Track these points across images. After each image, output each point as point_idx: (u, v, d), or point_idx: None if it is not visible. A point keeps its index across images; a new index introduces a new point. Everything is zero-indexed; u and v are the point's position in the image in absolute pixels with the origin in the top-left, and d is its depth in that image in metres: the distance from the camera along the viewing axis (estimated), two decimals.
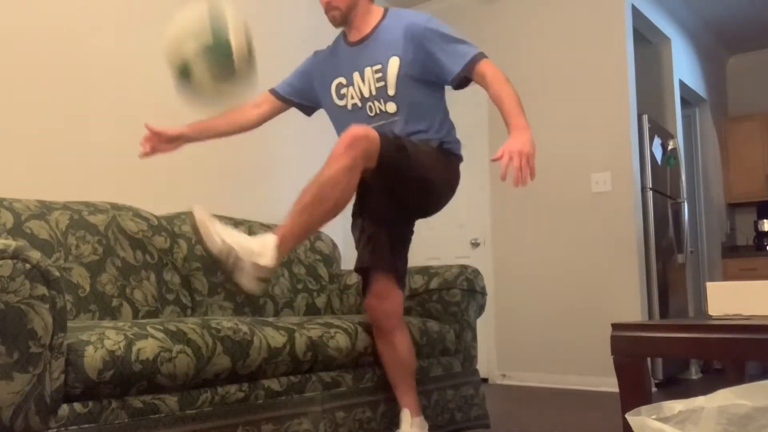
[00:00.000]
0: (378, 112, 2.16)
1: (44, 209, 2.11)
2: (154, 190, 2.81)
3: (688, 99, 5.80)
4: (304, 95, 2.38)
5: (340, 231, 3.62)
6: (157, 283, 2.29)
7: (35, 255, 1.39)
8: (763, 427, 1.05)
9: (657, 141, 4.58)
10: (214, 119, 2.32)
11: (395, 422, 2.18)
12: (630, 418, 1.12)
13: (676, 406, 1.13)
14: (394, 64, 2.14)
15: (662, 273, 4.44)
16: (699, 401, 1.12)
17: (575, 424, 3.12)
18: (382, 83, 2.15)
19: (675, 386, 4.32)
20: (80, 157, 2.59)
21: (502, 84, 2.06)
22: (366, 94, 2.18)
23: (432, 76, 2.15)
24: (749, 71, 6.49)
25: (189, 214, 1.98)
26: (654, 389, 4.08)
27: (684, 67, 5.44)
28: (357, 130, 1.86)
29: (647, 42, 5.10)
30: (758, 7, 5.44)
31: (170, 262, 2.38)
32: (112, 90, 2.72)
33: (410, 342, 2.22)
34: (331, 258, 3.03)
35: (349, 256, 4.01)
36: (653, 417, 1.11)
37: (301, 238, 1.89)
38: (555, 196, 4.44)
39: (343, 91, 2.23)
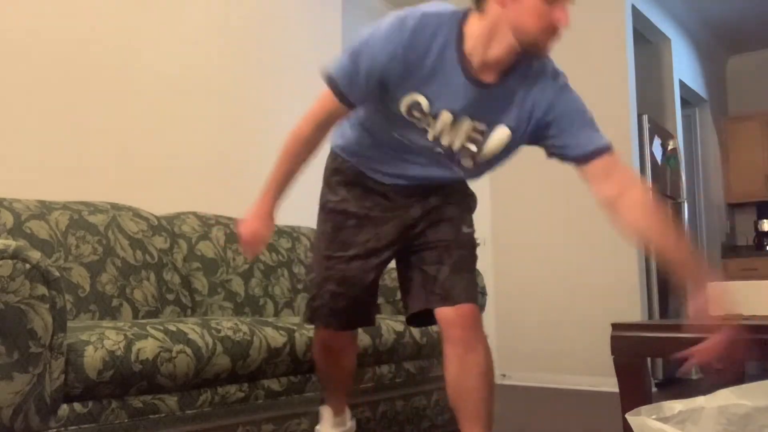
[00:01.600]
0: (449, 158, 1.66)
1: (44, 209, 2.11)
2: (154, 190, 2.81)
3: (688, 99, 5.80)
4: (371, 94, 1.60)
5: None
6: (157, 283, 2.29)
7: (35, 255, 1.39)
8: (763, 427, 1.05)
9: (657, 141, 4.58)
10: (295, 166, 1.74)
11: (395, 422, 2.18)
12: (630, 418, 1.12)
13: (676, 406, 1.13)
14: (502, 135, 1.61)
15: (662, 273, 4.44)
16: (699, 401, 1.12)
17: (575, 424, 3.12)
18: (474, 147, 1.62)
19: (675, 386, 4.32)
20: (80, 157, 2.59)
21: (656, 212, 1.57)
22: (444, 143, 1.62)
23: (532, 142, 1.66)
24: (749, 71, 6.49)
25: None
26: (654, 389, 4.07)
27: (684, 67, 5.44)
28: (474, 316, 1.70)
29: (647, 42, 5.09)
30: (758, 7, 5.44)
31: (170, 262, 2.38)
32: (112, 90, 2.72)
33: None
34: None
35: None
36: (653, 417, 1.11)
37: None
38: (555, 195, 4.44)
39: (418, 115, 1.59)
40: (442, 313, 1.75)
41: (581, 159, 1.62)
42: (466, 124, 1.60)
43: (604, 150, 1.61)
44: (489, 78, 1.56)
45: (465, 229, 1.82)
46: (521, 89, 1.61)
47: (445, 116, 1.59)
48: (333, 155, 1.85)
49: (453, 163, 1.67)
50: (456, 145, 1.62)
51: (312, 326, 1.94)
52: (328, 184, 1.84)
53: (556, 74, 1.66)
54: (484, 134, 1.62)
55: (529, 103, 1.61)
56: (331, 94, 1.59)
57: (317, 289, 1.82)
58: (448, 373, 1.76)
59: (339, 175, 1.82)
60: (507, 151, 1.66)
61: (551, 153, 1.68)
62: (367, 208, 1.78)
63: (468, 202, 1.88)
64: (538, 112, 1.61)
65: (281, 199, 1.81)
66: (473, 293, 1.77)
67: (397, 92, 1.57)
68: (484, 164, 1.68)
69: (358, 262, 1.77)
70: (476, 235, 1.94)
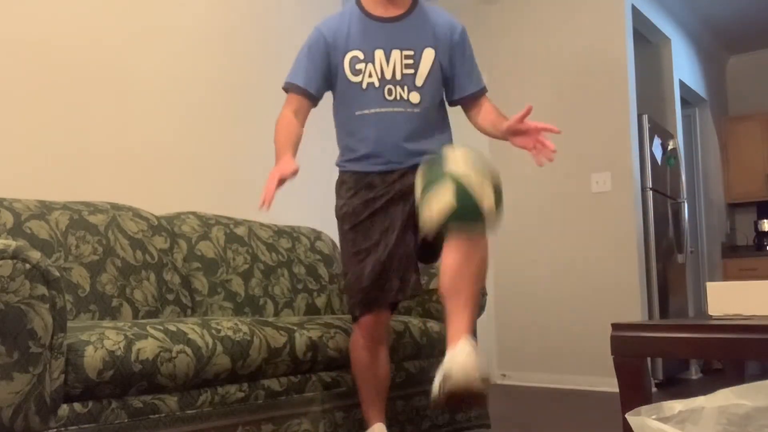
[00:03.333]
0: (398, 98, 2.03)
1: (44, 209, 2.11)
2: (154, 190, 2.81)
3: (688, 99, 5.80)
4: (325, 80, 2.11)
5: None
6: (157, 283, 2.29)
7: (35, 255, 1.39)
8: (763, 427, 1.05)
9: (657, 141, 4.58)
10: (292, 141, 2.05)
11: (395, 422, 2.18)
12: (630, 418, 1.12)
13: (676, 406, 1.13)
14: (428, 56, 2.06)
15: (662, 273, 4.44)
16: (699, 401, 1.12)
17: (575, 424, 3.12)
18: (411, 71, 2.04)
19: (675, 386, 4.32)
20: (80, 157, 2.59)
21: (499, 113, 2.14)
22: (388, 76, 2.03)
23: (444, 85, 2.15)
24: (749, 71, 6.49)
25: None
26: (654, 389, 4.07)
27: (684, 67, 5.44)
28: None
29: (647, 42, 5.09)
30: (758, 7, 5.44)
31: (170, 262, 2.38)
32: (112, 90, 2.72)
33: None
34: (331, 258, 3.03)
35: None
36: (653, 417, 1.11)
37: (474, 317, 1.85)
38: (555, 195, 4.44)
39: (359, 66, 2.04)
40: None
41: (466, 98, 2.17)
42: (396, 54, 2.03)
43: (485, 91, 2.19)
44: (393, 13, 2.07)
45: None
46: (430, 17, 2.10)
47: (378, 53, 2.03)
48: (339, 175, 2.16)
49: (405, 104, 2.03)
50: (398, 75, 2.03)
51: (313, 326, 1.94)
52: (339, 194, 2.13)
53: (451, 16, 2.17)
54: (415, 59, 2.04)
55: (440, 25, 2.09)
56: (292, 96, 2.11)
57: (356, 284, 1.99)
58: (447, 263, 1.80)
59: (345, 184, 2.11)
60: (436, 69, 2.06)
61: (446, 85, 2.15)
62: (371, 199, 2.03)
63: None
64: (442, 41, 2.08)
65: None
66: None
67: (338, 57, 2.06)
68: (426, 92, 2.04)
69: (384, 243, 1.98)
70: None
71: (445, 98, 2.19)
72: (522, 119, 1.97)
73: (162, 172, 2.87)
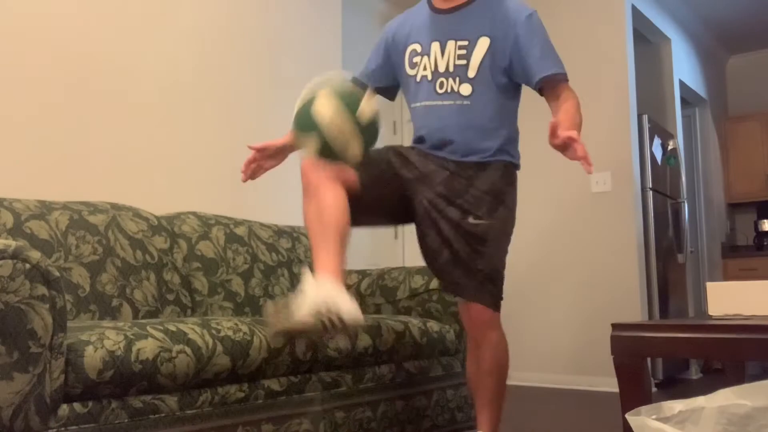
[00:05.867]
0: (449, 90, 1.97)
1: (44, 209, 2.11)
2: (154, 190, 2.81)
3: (688, 99, 5.80)
4: (387, 76, 2.16)
5: None
6: (157, 283, 2.29)
7: (35, 255, 1.39)
8: (763, 427, 1.05)
9: (657, 141, 4.58)
10: None
11: (395, 422, 2.18)
12: (630, 418, 1.12)
13: (676, 406, 1.13)
14: (482, 45, 1.96)
15: (662, 273, 4.44)
16: (699, 401, 1.12)
17: (575, 424, 3.12)
18: (463, 62, 1.97)
19: (675, 386, 4.32)
20: (80, 157, 2.59)
21: (579, 110, 1.93)
22: (441, 69, 1.98)
23: (514, 75, 2.00)
24: (749, 71, 6.49)
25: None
26: (654, 389, 4.08)
27: (684, 67, 5.44)
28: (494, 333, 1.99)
29: (647, 42, 5.10)
30: (758, 7, 5.44)
31: (170, 262, 2.38)
32: (112, 90, 2.72)
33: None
34: None
35: (348, 256, 4.02)
36: (653, 417, 1.11)
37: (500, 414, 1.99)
38: (555, 195, 4.44)
39: (416, 59, 2.03)
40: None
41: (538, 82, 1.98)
42: (451, 45, 1.98)
43: (565, 79, 1.99)
44: (454, 3, 2.02)
45: (471, 219, 2.02)
46: (493, 4, 2.00)
47: (434, 46, 2.00)
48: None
49: (455, 96, 1.96)
50: (451, 66, 1.97)
51: None
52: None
53: (516, 1, 2.04)
54: (468, 48, 1.97)
55: (504, 11, 1.98)
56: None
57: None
58: (469, 360, 2.05)
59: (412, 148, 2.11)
60: (493, 59, 1.96)
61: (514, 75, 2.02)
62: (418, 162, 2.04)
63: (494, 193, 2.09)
64: (503, 28, 1.97)
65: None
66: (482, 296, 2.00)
67: (399, 52, 2.08)
68: (479, 83, 1.96)
69: (400, 179, 2.02)
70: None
71: (511, 91, 2.05)
72: (553, 135, 1.74)
73: (162, 172, 2.87)
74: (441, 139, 2.01)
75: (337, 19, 3.84)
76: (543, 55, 1.97)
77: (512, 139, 2.07)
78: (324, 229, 1.76)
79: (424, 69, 2.01)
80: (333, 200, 1.79)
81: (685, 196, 4.97)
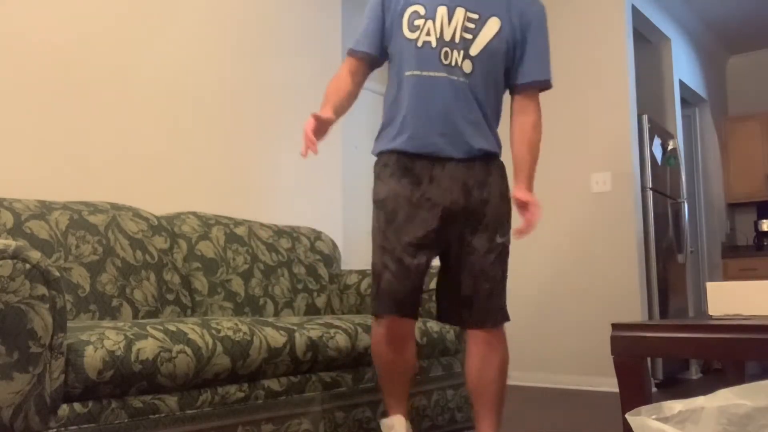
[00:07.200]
0: (453, 63, 1.82)
1: (44, 209, 2.11)
2: (154, 190, 2.81)
3: (688, 99, 5.80)
4: (385, 39, 1.96)
5: (339, 231, 3.62)
6: (157, 283, 2.29)
7: (35, 255, 1.39)
8: (763, 427, 1.05)
9: (657, 141, 4.58)
10: (337, 96, 1.94)
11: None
12: (630, 418, 1.12)
13: (676, 406, 1.13)
14: (492, 26, 1.83)
15: (662, 273, 4.44)
16: (699, 401, 1.12)
17: (575, 424, 3.12)
18: (469, 36, 1.82)
19: (675, 386, 4.32)
20: (80, 157, 2.59)
21: (538, 131, 1.92)
22: (446, 38, 1.81)
23: (507, 62, 1.90)
24: (749, 71, 6.49)
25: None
26: (654, 389, 4.07)
27: (684, 67, 5.44)
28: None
29: (647, 42, 5.10)
30: (758, 7, 5.44)
31: (170, 262, 2.38)
32: (112, 90, 2.72)
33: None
34: (331, 258, 3.03)
35: (348, 256, 4.02)
36: (653, 417, 1.11)
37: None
38: (555, 196, 4.44)
39: (418, 22, 1.84)
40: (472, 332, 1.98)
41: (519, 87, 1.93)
42: (460, 13, 1.82)
43: (547, 86, 1.96)
44: None
45: (498, 239, 1.95)
46: None
47: (441, 10, 1.83)
48: (378, 159, 1.97)
49: (458, 72, 1.82)
50: (457, 37, 1.81)
51: (313, 326, 1.95)
52: (380, 177, 1.94)
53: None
54: (477, 23, 1.83)
55: (515, 4, 1.88)
56: (347, 57, 1.99)
57: (377, 277, 1.90)
58: (470, 365, 1.95)
59: (387, 168, 1.92)
60: (498, 44, 1.85)
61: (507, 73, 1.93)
62: (410, 191, 1.87)
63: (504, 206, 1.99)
64: (514, 14, 1.87)
65: (337, 113, 1.93)
66: (503, 314, 1.96)
67: (395, 14, 1.88)
68: (481, 64, 1.83)
69: (411, 249, 1.85)
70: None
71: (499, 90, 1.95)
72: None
73: (162, 172, 2.87)
74: (437, 126, 1.84)
75: (337, 19, 3.84)
76: (542, 56, 1.94)
77: (498, 144, 1.98)
78: (402, 378, 1.99)
79: (428, 34, 1.82)
80: (412, 355, 2.00)
81: (685, 196, 4.97)
